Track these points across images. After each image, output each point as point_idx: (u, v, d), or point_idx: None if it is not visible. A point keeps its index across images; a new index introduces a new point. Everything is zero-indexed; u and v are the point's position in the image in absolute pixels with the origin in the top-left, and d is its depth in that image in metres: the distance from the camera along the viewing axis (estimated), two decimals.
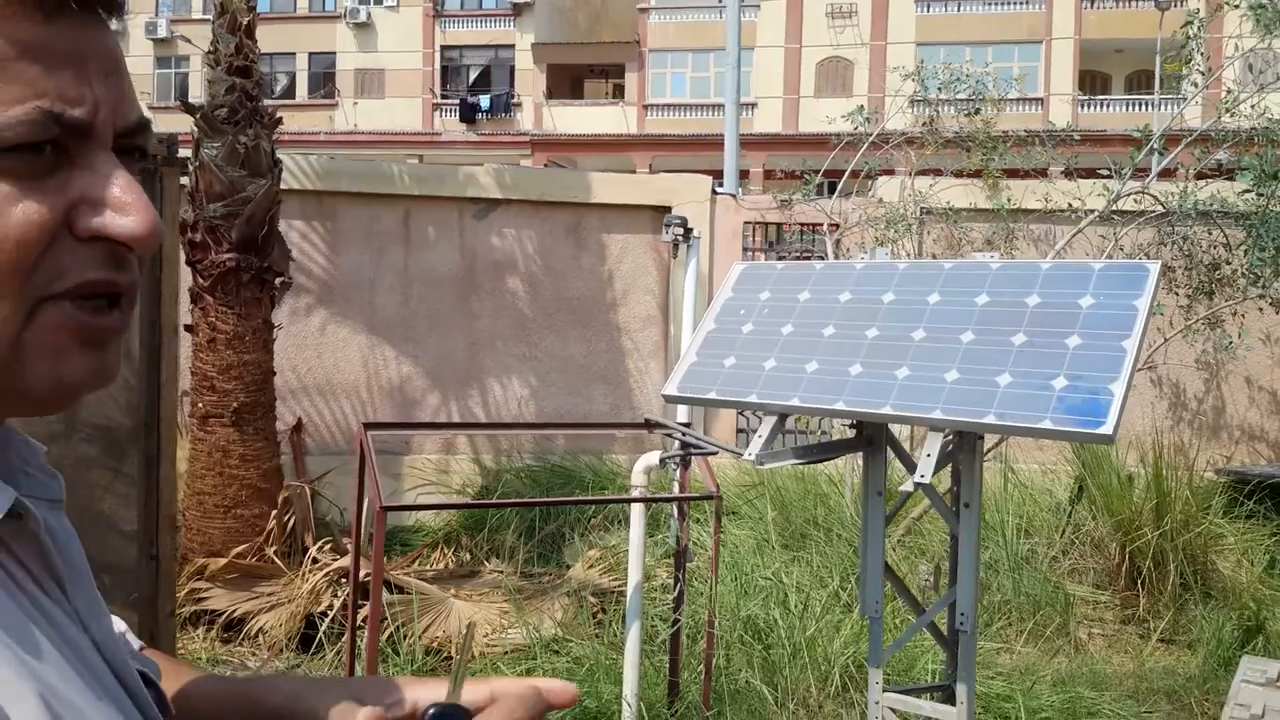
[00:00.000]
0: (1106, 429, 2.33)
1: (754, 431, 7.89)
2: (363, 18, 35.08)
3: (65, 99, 0.62)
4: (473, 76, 36.42)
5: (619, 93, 35.65)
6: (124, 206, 0.65)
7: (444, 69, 36.28)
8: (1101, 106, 31.47)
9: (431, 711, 0.80)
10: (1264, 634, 5.22)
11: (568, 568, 6.03)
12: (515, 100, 35.08)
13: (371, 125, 33.74)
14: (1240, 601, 5.47)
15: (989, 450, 6.85)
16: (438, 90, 35.84)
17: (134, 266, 0.67)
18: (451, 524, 6.77)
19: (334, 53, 35.42)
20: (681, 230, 3.97)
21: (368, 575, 4.06)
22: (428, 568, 6.26)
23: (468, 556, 6.45)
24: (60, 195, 0.63)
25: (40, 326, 0.63)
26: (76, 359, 0.65)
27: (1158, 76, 20.51)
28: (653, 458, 3.73)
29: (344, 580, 5.20)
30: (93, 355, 0.66)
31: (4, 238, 0.61)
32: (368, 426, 3.40)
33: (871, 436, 2.99)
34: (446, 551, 6.53)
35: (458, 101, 35.07)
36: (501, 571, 5.98)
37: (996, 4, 32.66)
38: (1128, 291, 2.60)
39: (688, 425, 3.84)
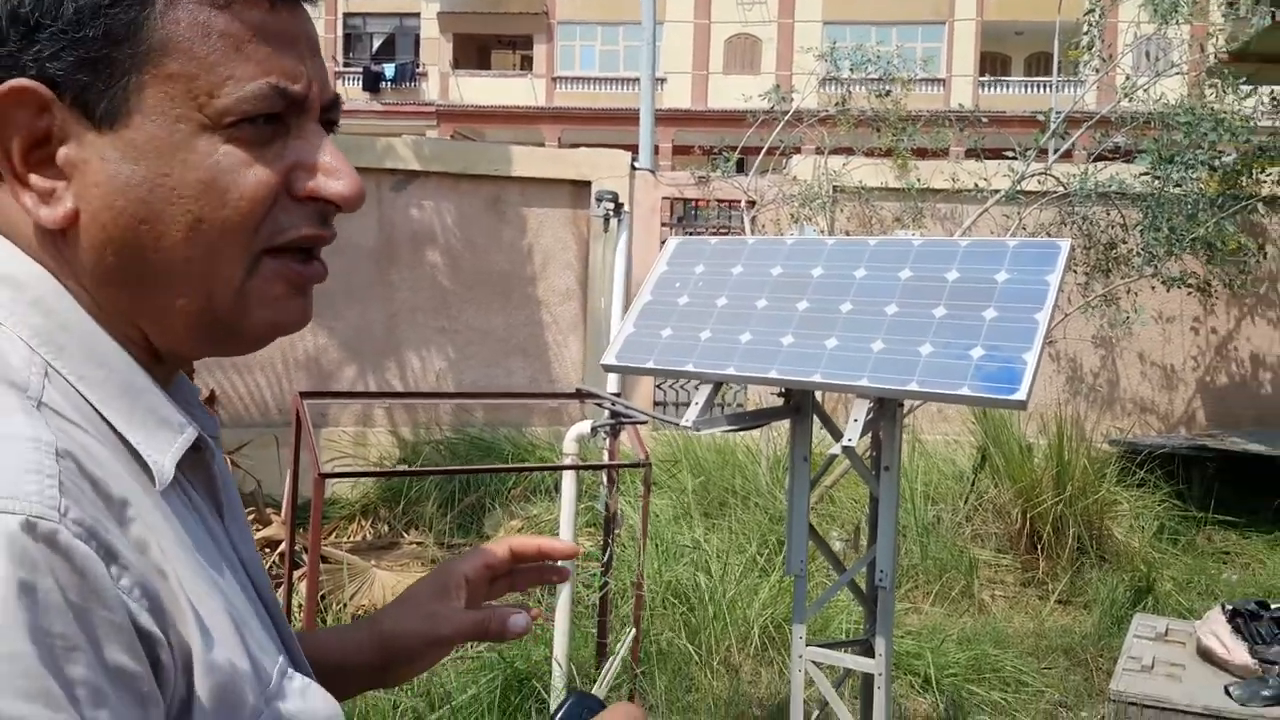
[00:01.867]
0: (1020, 395, 2.49)
1: (672, 405, 8.01)
2: None
3: (288, 76, 0.73)
4: (376, 45, 35.82)
5: (527, 64, 35.42)
6: (334, 171, 0.76)
7: (347, 36, 35.61)
8: (1002, 88, 32.24)
9: (571, 700, 0.87)
10: (1153, 594, 5.54)
11: (489, 538, 6.10)
12: (420, 70, 34.61)
13: None
14: (1132, 564, 5.78)
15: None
16: (340, 58, 35.17)
17: (332, 223, 0.79)
18: (369, 496, 6.78)
19: None
20: (612, 205, 4.06)
21: (297, 544, 4.10)
22: (345, 539, 6.29)
23: (386, 528, 6.48)
24: (280, 161, 0.74)
25: (262, 276, 0.74)
26: (288, 304, 0.77)
27: (1056, 60, 21.10)
28: (585, 426, 3.83)
29: (268, 550, 5.21)
30: (300, 300, 0.78)
31: (239, 198, 0.72)
32: (304, 395, 3.43)
33: (799, 404, 3.12)
34: (364, 523, 6.55)
35: (361, 70, 34.46)
36: (422, 543, 6.04)
37: None
38: (1040, 268, 2.77)
39: (618, 395, 3.95)
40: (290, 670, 0.76)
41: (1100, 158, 7.49)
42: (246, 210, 0.72)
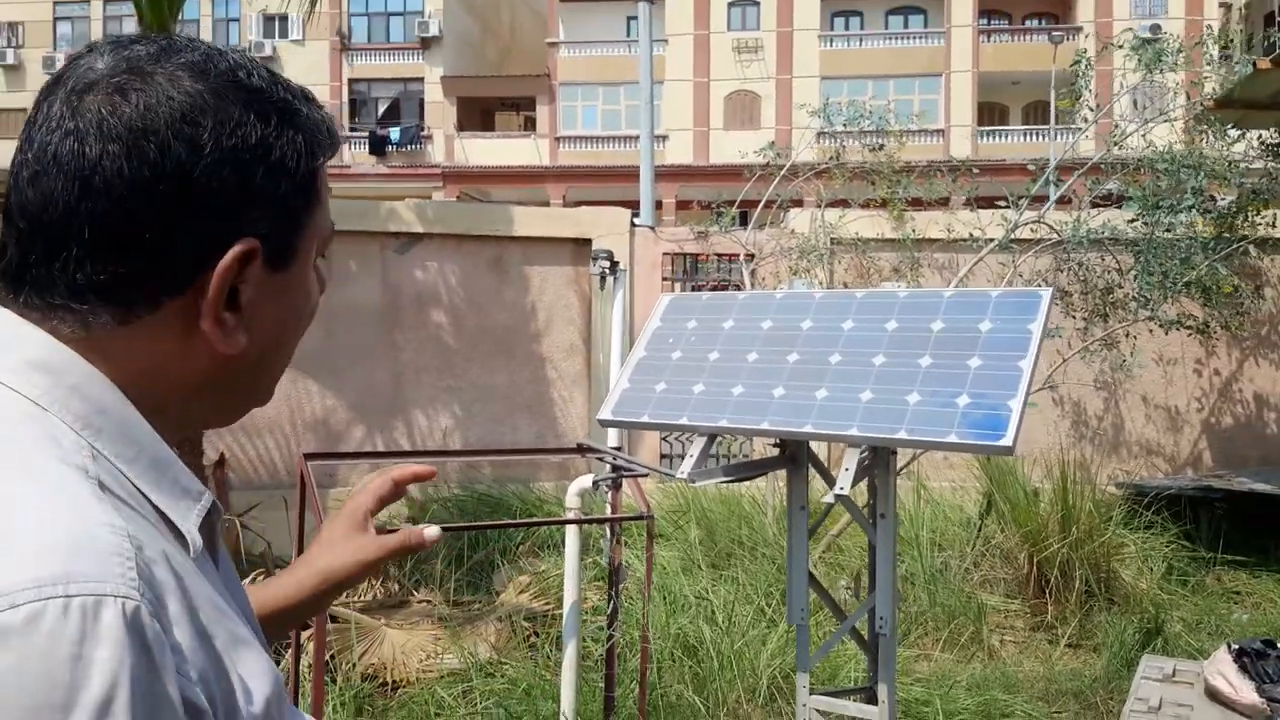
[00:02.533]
0: (1006, 441, 2.55)
1: (678, 456, 8.05)
2: (268, 51, 34.80)
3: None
4: (381, 109, 36.32)
5: (530, 125, 35.87)
6: (321, 273, 0.96)
7: (352, 101, 36.14)
8: (1000, 137, 32.54)
9: None
10: (1162, 635, 5.54)
11: (498, 594, 6.13)
12: (425, 133, 35.07)
13: None
14: (1141, 606, 5.78)
15: (902, 468, 7.13)
16: (346, 123, 35.65)
17: None
18: None
19: None
20: (608, 263, 4.14)
21: None
22: (355, 598, 6.31)
23: (395, 586, 6.51)
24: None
25: None
26: None
27: (1053, 109, 21.34)
28: (586, 480, 3.88)
29: None
30: None
31: (315, 305, 0.94)
32: (308, 457, 3.50)
33: (794, 454, 3.18)
34: (373, 582, 6.58)
35: (367, 134, 34.92)
36: (431, 600, 6.06)
37: (897, 39, 33.66)
38: (1022, 316, 2.83)
39: (618, 449, 4.01)
40: (293, 706, 0.87)
41: (1095, 204, 7.59)
42: (313, 319, 0.94)
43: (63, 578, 0.65)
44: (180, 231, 0.78)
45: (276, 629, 1.19)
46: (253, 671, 0.78)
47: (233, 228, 0.80)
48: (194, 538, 0.79)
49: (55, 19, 36.10)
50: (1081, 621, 5.74)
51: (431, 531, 1.26)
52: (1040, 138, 30.65)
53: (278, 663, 4.74)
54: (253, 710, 0.76)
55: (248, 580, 5.55)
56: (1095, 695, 4.98)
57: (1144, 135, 7.20)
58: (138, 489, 0.77)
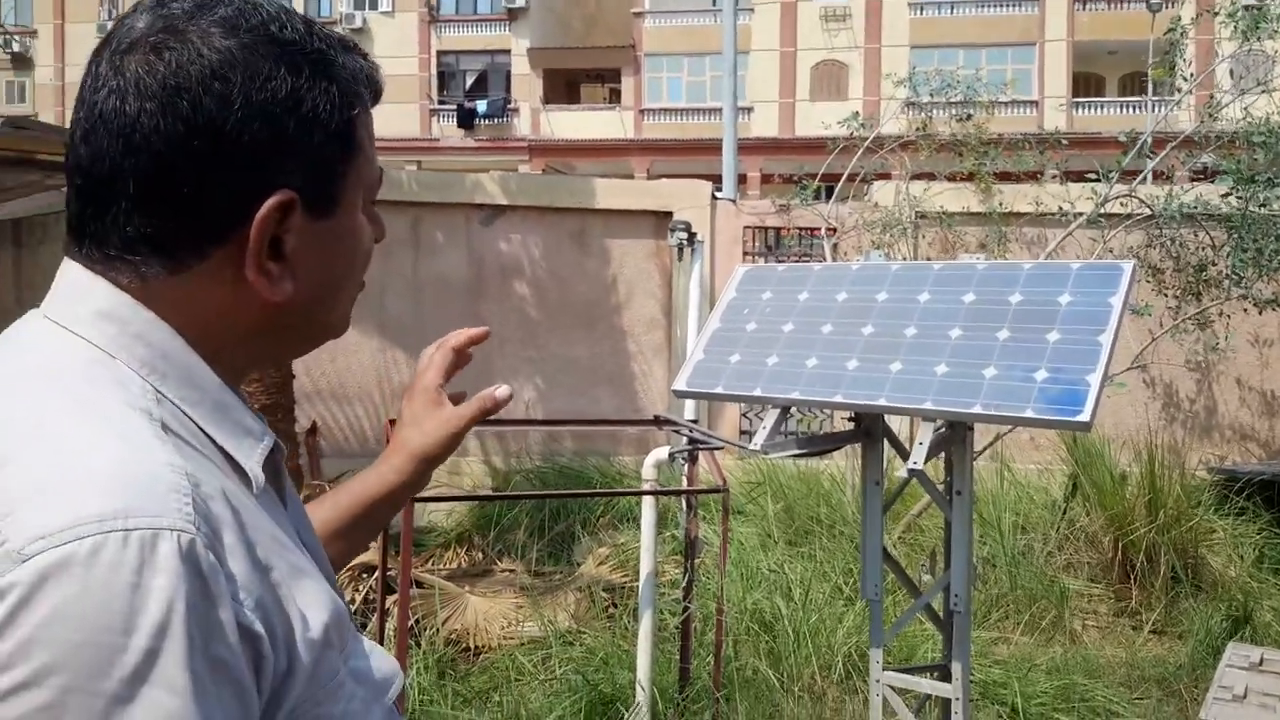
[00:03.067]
0: (1084, 417, 2.51)
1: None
2: (358, 24, 35.26)
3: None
4: (469, 82, 36.58)
5: (615, 97, 35.83)
6: (379, 220, 1.01)
7: (440, 74, 36.43)
8: (1096, 108, 31.66)
9: None
10: (1251, 624, 5.40)
11: (578, 565, 6.20)
12: (512, 105, 35.25)
13: None
14: (1229, 594, 5.64)
15: (986, 448, 7.04)
16: (434, 96, 36.00)
17: None
18: (464, 524, 6.95)
19: None
20: (686, 235, 4.15)
21: (391, 570, 4.24)
22: (441, 566, 6.44)
23: (480, 556, 6.63)
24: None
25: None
26: None
27: (1150, 80, 20.68)
28: (662, 452, 3.91)
29: (365, 575, 5.38)
30: None
31: (369, 256, 0.98)
32: (394, 422, 3.58)
33: (869, 428, 3.16)
34: (459, 551, 6.70)
35: (455, 107, 35.20)
36: (513, 570, 6.16)
37: (989, 5, 32.85)
38: (1103, 289, 2.77)
39: (695, 422, 4.02)
40: (358, 635, 0.91)
41: (1193, 178, 7.37)
42: (369, 261, 0.98)
43: (123, 513, 0.70)
44: (216, 184, 0.82)
45: (384, 513, 1.28)
46: (310, 601, 0.82)
47: (268, 179, 0.83)
48: (256, 474, 0.84)
49: None
50: (1167, 608, 5.63)
51: (502, 391, 1.31)
52: (1138, 109, 29.74)
53: (363, 626, 4.87)
54: (310, 636, 0.80)
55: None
56: (1179, 683, 4.88)
57: (1242, 106, 6.96)
58: (201, 430, 0.82)
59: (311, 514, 1.18)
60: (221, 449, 0.83)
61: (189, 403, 0.82)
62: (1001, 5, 32.80)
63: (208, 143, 0.81)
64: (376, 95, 0.94)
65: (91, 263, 0.84)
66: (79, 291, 0.84)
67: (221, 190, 0.82)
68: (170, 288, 0.83)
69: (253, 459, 0.85)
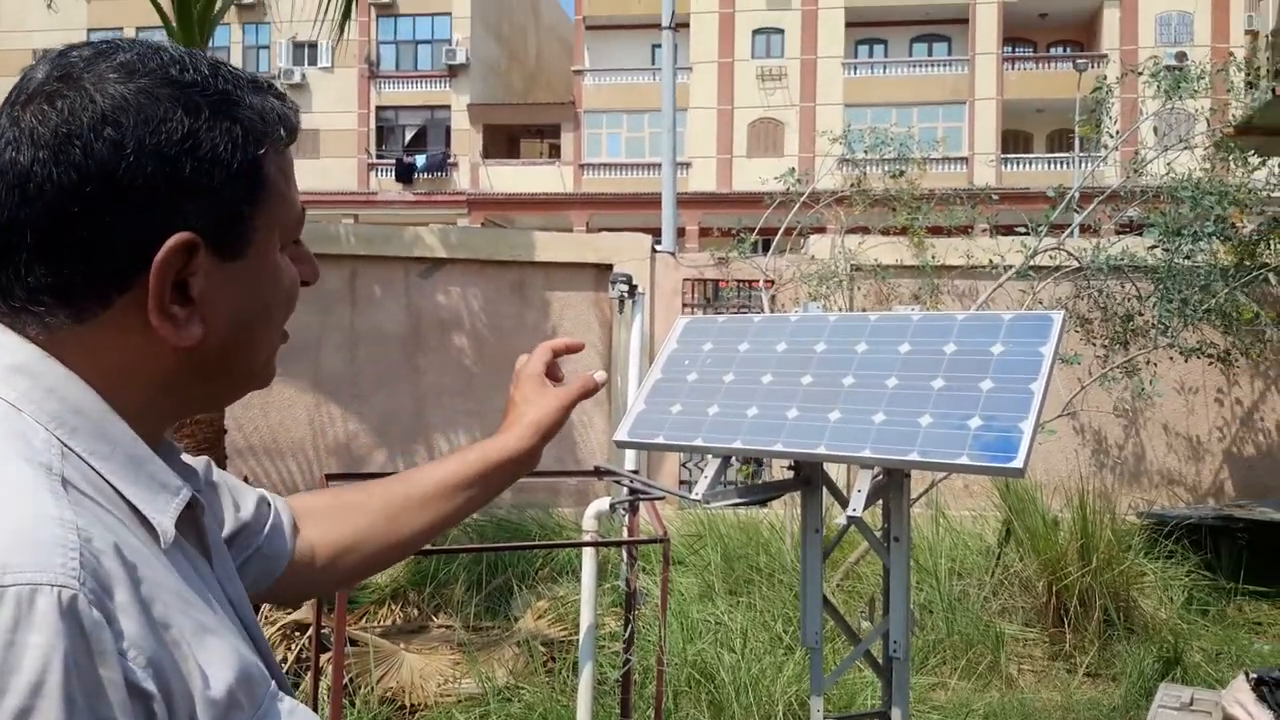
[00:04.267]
0: (1017, 463, 2.55)
1: (696, 482, 7.98)
2: (297, 79, 35.25)
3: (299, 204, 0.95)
4: (408, 136, 36.65)
5: (555, 152, 36.12)
6: (310, 260, 0.98)
7: (379, 129, 36.48)
8: (1025, 164, 32.51)
9: None
10: (1182, 665, 5.49)
11: (516, 620, 6.14)
12: (452, 160, 35.35)
13: (307, 185, 33.70)
14: (1160, 635, 5.74)
15: (921, 495, 7.12)
16: (373, 150, 36.00)
17: None
18: (398, 580, 6.85)
19: None
20: (626, 287, 4.18)
21: (325, 627, 4.17)
22: (376, 623, 6.34)
23: (415, 612, 6.54)
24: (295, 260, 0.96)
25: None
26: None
27: (1077, 136, 21.29)
28: (603, 503, 3.91)
29: (297, 633, 5.28)
30: None
31: (293, 296, 0.97)
32: (329, 478, 3.54)
33: (809, 476, 3.19)
34: (394, 607, 6.61)
35: (394, 161, 35.23)
36: (450, 626, 6.08)
37: (921, 66, 33.74)
38: (1035, 339, 2.83)
39: (635, 472, 4.03)
40: (279, 693, 0.88)
41: (1119, 231, 7.58)
42: (293, 305, 0.97)
43: (0, 568, 0.69)
44: (113, 229, 0.81)
45: (502, 479, 1.37)
46: (215, 659, 0.80)
47: (167, 222, 0.82)
48: (164, 529, 0.82)
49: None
50: (1100, 650, 5.70)
51: (600, 375, 1.47)
52: (1065, 165, 30.58)
53: (296, 685, 4.78)
54: (211, 696, 0.78)
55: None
56: None
57: (1166, 163, 7.20)
58: (110, 485, 0.81)
59: (436, 469, 1.32)
60: (131, 504, 0.82)
61: (98, 457, 0.81)
62: (933, 66, 33.71)
63: (101, 188, 0.80)
64: (291, 134, 0.93)
65: (0, 316, 0.83)
66: None
67: (119, 235, 0.81)
68: (77, 337, 0.83)
69: (166, 514, 0.83)
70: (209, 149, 0.84)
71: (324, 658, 4.08)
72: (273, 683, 0.88)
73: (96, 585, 0.72)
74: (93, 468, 0.80)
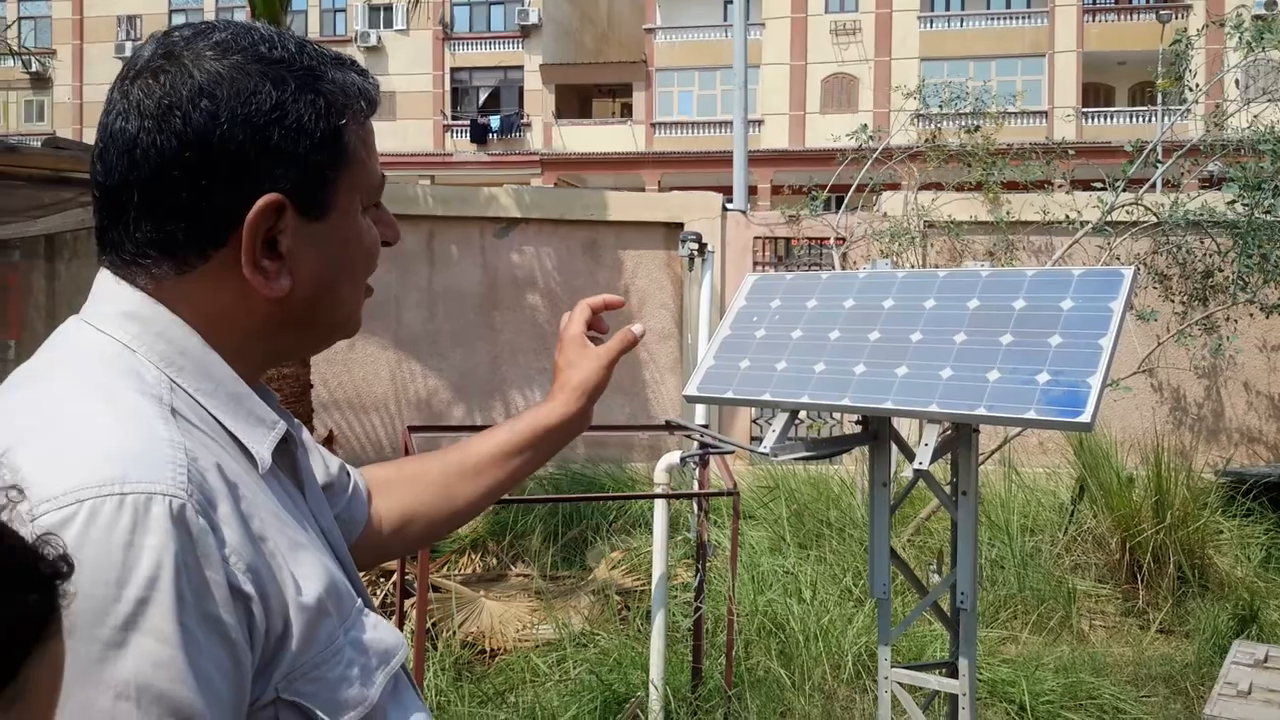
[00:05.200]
0: (1085, 418, 2.59)
1: None
2: (373, 41, 35.57)
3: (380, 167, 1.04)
4: (482, 98, 36.81)
5: (627, 111, 36.01)
6: (391, 223, 1.08)
7: (454, 90, 36.68)
8: (1106, 118, 31.71)
9: None
10: (1257, 622, 5.46)
11: (591, 569, 6.30)
12: (525, 120, 35.45)
13: (384, 147, 33.82)
14: (1235, 593, 5.70)
15: (994, 452, 7.11)
16: (448, 112, 36.24)
17: None
18: (478, 530, 7.04)
19: None
20: (696, 245, 4.25)
21: (408, 574, 4.34)
22: (457, 571, 6.54)
23: (495, 561, 6.73)
24: (375, 222, 1.06)
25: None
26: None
27: (1159, 90, 20.74)
28: (674, 457, 4.01)
29: (383, 579, 5.48)
30: None
31: (373, 256, 1.04)
32: (412, 430, 3.69)
33: (876, 431, 3.25)
34: (474, 556, 6.80)
35: (468, 122, 35.44)
36: (528, 574, 6.25)
37: (999, 19, 32.96)
38: (1104, 295, 2.86)
39: (705, 427, 4.12)
40: (365, 609, 0.99)
41: (1202, 186, 7.44)
42: (374, 263, 1.04)
43: (120, 479, 0.80)
44: (210, 190, 0.91)
45: (555, 442, 1.44)
46: (307, 573, 0.91)
47: (257, 184, 0.92)
48: (261, 457, 0.94)
49: (171, 10, 37.35)
50: (1174, 607, 5.69)
51: (638, 328, 1.54)
52: (1148, 119, 29.77)
53: None
54: (304, 602, 0.89)
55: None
56: (1186, 680, 4.95)
57: (1252, 115, 7.03)
58: (214, 417, 0.93)
59: (489, 438, 1.41)
60: (232, 435, 0.93)
61: (203, 393, 0.92)
62: (1011, 18, 32.92)
63: (199, 153, 0.90)
64: (371, 106, 1.02)
65: (114, 268, 0.95)
66: (107, 295, 0.95)
67: (215, 196, 0.91)
68: (180, 288, 0.94)
69: (262, 445, 0.95)
70: (295, 119, 0.94)
71: (408, 603, 4.25)
72: (359, 599, 0.99)
73: (202, 497, 0.83)
74: (198, 402, 0.92)
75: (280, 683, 0.87)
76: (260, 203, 0.92)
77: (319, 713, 0.89)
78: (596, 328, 1.51)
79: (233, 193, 0.92)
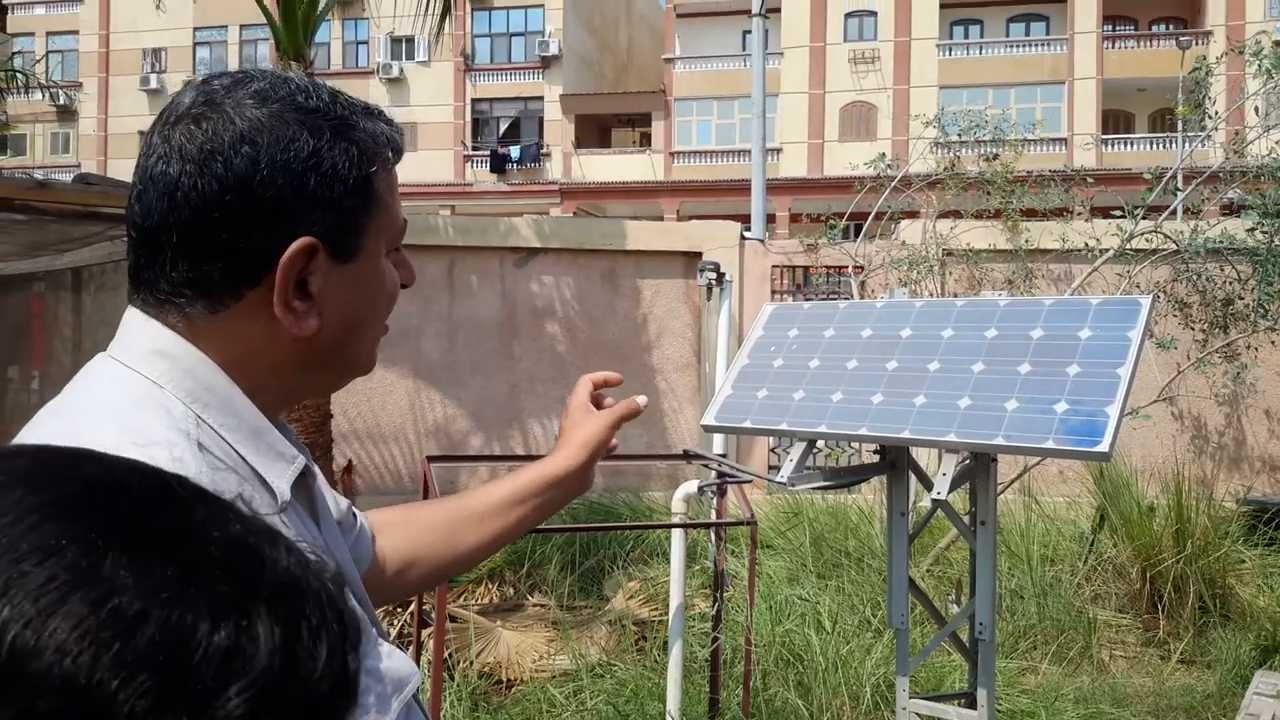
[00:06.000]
0: (1103, 447, 2.59)
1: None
2: (395, 73, 35.94)
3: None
4: (503, 128, 37.10)
5: (646, 141, 36.22)
6: (408, 265, 1.11)
7: (474, 121, 36.98)
8: (1125, 145, 31.67)
9: None
10: None
11: (608, 599, 6.29)
12: (544, 150, 35.69)
13: (405, 177, 33.09)
14: (1258, 623, 5.65)
15: (1013, 481, 7.07)
16: (469, 142, 36.51)
17: None
18: (496, 560, 7.04)
19: None
20: (715, 275, 4.27)
21: (426, 604, 4.35)
22: (474, 601, 6.54)
23: (512, 591, 6.73)
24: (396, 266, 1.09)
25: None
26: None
27: (1179, 117, 20.72)
28: (692, 486, 4.01)
29: (400, 609, 5.49)
30: None
31: (394, 298, 1.09)
32: (431, 459, 3.71)
33: (894, 460, 3.25)
34: (491, 586, 6.80)
35: (488, 153, 35.71)
36: (545, 604, 6.25)
37: (1018, 46, 33.03)
38: (1122, 324, 2.85)
39: (724, 456, 4.12)
40: (378, 638, 1.01)
41: (1223, 213, 7.42)
42: (394, 304, 1.10)
43: None
44: (248, 232, 0.95)
45: (557, 497, 1.47)
46: None
47: (293, 227, 0.96)
48: (280, 491, 0.97)
49: (195, 44, 37.84)
50: (1195, 638, 5.64)
51: (642, 399, 1.56)
52: (1168, 145, 29.73)
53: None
54: None
55: None
56: (1207, 711, 4.90)
57: (1274, 142, 7.02)
58: (236, 452, 0.95)
59: (496, 487, 1.45)
60: (254, 468, 0.95)
61: (227, 429, 0.95)
62: (1030, 45, 32.99)
63: (239, 197, 0.94)
64: (397, 154, 1.06)
65: (146, 306, 0.98)
66: (136, 332, 0.97)
67: (252, 237, 0.95)
68: (212, 326, 0.96)
69: (282, 479, 0.97)
70: (330, 166, 0.97)
71: (425, 633, 4.26)
72: (373, 628, 1.02)
73: (334, 574, 0.85)
74: (222, 437, 0.95)
75: None
76: (295, 245, 0.95)
77: None
78: (597, 402, 1.55)
79: (269, 235, 0.95)
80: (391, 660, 1.00)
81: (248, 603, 0.50)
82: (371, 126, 1.03)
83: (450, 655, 5.17)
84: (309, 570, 0.57)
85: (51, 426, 0.92)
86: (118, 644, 0.45)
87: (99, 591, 0.46)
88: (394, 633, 5.39)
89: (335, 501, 1.24)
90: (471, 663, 5.16)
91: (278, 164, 0.95)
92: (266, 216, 0.95)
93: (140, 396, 0.93)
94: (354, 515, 1.29)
